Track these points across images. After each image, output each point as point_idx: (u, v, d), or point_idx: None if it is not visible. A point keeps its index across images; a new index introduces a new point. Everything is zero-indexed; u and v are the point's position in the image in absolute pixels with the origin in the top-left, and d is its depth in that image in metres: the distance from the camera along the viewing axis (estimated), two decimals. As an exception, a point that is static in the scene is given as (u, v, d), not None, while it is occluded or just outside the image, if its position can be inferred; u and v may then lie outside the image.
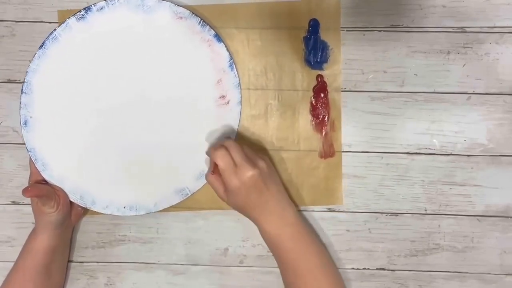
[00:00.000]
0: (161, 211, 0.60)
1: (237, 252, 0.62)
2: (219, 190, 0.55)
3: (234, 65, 0.58)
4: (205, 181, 0.58)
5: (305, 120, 0.61)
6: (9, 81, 0.61)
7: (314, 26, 0.59)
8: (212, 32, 0.57)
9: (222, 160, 0.52)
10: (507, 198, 0.61)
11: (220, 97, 0.59)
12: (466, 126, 0.60)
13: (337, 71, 0.60)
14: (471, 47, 0.60)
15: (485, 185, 0.61)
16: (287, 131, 0.61)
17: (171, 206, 0.60)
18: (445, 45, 0.60)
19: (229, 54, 0.58)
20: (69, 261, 0.63)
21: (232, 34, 0.60)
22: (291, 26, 0.60)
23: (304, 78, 0.60)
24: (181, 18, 0.57)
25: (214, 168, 0.55)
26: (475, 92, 0.60)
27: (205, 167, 0.59)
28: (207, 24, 0.57)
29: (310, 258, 0.55)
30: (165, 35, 0.57)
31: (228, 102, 0.59)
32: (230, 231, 0.62)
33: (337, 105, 0.60)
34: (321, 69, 0.60)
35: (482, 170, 0.61)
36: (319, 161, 0.61)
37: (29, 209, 0.61)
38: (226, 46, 0.58)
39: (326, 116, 0.60)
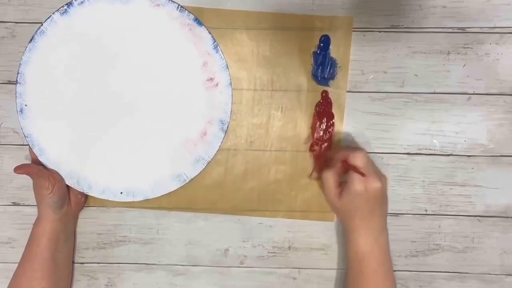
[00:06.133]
0: (159, 198, 0.59)
1: (237, 253, 0.62)
2: (331, 189, 0.55)
3: (219, 47, 0.58)
4: (203, 166, 0.58)
5: (305, 134, 0.61)
6: (9, 82, 0.61)
7: (325, 42, 0.59)
8: (192, 16, 0.58)
9: (361, 161, 0.53)
10: (508, 198, 0.61)
11: (208, 80, 0.59)
12: (467, 127, 0.60)
13: (342, 89, 0.60)
14: (471, 48, 0.60)
15: (486, 185, 0.61)
16: (287, 142, 0.61)
17: (168, 194, 0.59)
18: (445, 45, 0.60)
19: (212, 36, 0.58)
20: (70, 262, 0.63)
21: (242, 40, 0.60)
22: (302, 40, 0.59)
23: (309, 93, 0.60)
24: (158, 5, 0.58)
25: (319, 169, 0.58)
26: (475, 92, 0.60)
27: (201, 152, 0.59)
28: (185, 9, 0.58)
29: (387, 284, 0.56)
30: (144, 24, 0.58)
31: (217, 85, 0.59)
32: (231, 231, 0.62)
33: (339, 124, 0.60)
34: (327, 85, 0.60)
35: (482, 170, 0.61)
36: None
37: (29, 210, 0.61)
38: (207, 29, 0.58)
39: (327, 134, 0.60)
